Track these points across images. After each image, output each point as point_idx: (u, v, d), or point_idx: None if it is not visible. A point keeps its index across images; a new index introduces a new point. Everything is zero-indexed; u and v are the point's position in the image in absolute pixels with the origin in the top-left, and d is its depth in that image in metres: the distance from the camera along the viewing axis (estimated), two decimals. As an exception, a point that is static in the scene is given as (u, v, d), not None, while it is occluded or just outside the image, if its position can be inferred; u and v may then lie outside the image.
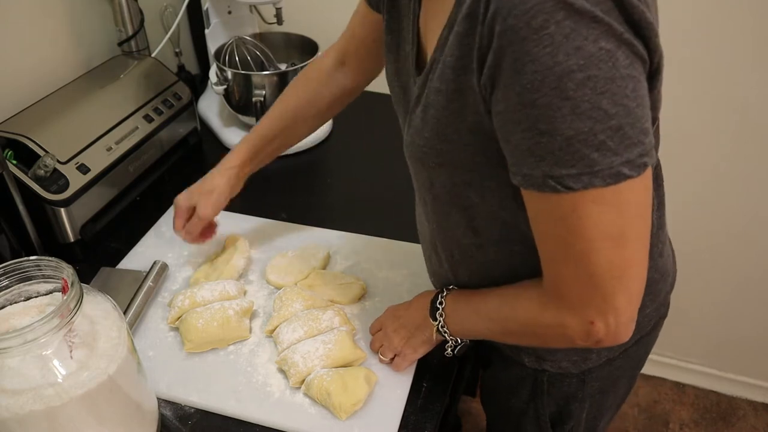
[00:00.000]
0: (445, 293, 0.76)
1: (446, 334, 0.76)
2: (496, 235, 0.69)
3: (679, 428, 1.77)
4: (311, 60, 1.24)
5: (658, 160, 0.67)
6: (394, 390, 0.80)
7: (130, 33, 1.23)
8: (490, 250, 0.71)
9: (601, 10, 0.47)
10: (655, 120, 0.59)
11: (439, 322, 0.76)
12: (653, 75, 0.53)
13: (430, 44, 0.63)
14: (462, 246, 0.73)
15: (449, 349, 0.79)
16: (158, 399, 0.77)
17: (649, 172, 0.53)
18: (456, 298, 0.75)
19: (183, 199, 0.95)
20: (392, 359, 0.82)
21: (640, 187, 0.53)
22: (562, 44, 0.46)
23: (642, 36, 0.49)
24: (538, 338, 0.68)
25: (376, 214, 1.12)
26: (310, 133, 0.99)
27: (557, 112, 0.49)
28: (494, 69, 0.51)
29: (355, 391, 0.76)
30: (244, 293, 0.93)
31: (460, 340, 0.78)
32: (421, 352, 0.81)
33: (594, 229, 0.54)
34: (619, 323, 0.59)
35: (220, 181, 0.94)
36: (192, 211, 0.94)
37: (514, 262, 0.69)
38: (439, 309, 0.76)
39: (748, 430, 1.77)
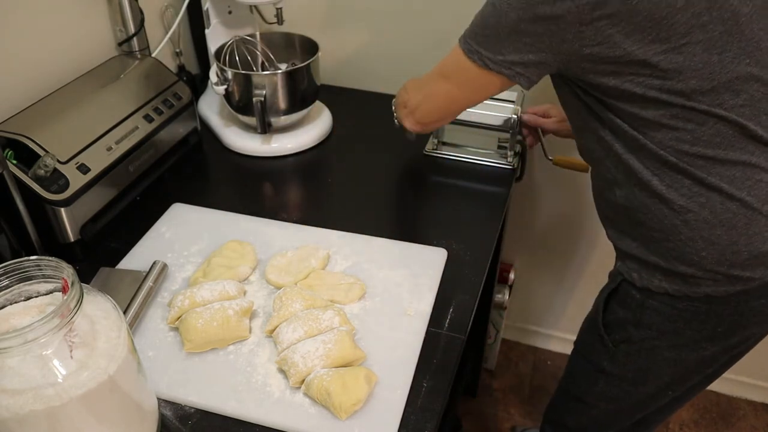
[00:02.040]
0: None
1: None
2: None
3: (679, 428, 1.77)
4: (312, 60, 1.24)
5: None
6: (394, 390, 0.80)
7: (130, 33, 1.23)
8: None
9: None
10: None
11: None
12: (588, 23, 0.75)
13: None
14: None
15: None
16: (158, 399, 0.77)
17: (500, 81, 0.86)
18: None
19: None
20: None
21: (477, 78, 0.87)
22: None
23: None
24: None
25: (376, 214, 1.12)
26: None
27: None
28: None
29: (355, 391, 0.76)
30: (244, 293, 0.93)
31: None
32: None
33: (438, 73, 0.96)
34: (415, 120, 1.01)
35: None
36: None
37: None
38: None
39: (748, 430, 1.77)
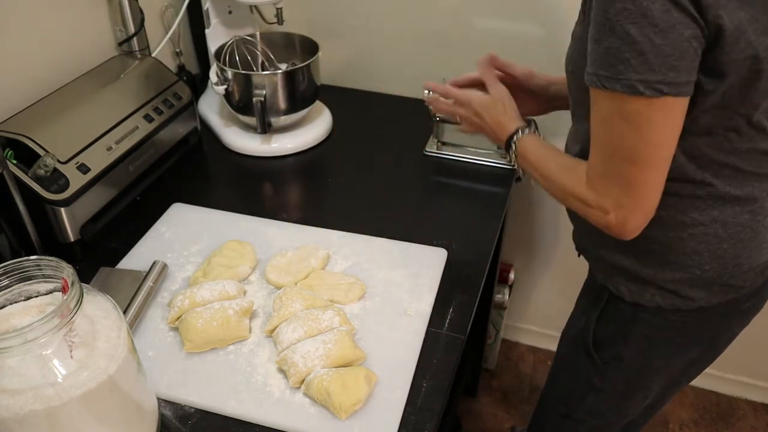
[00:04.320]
0: (522, 134, 0.91)
1: (511, 149, 0.93)
2: None
3: (679, 428, 1.77)
4: (312, 60, 1.24)
5: None
6: (394, 390, 0.80)
7: (130, 33, 1.23)
8: None
9: None
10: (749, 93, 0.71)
11: (511, 148, 0.92)
12: (713, 42, 0.66)
13: None
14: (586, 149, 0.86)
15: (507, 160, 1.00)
16: (158, 399, 0.77)
17: (671, 103, 0.68)
18: (534, 138, 0.91)
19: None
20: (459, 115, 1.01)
21: (655, 110, 0.68)
22: None
23: (697, 3, 0.63)
24: (574, 204, 0.82)
25: (376, 214, 1.12)
26: None
27: (602, 29, 0.67)
28: None
29: (355, 391, 0.76)
30: (244, 293, 0.93)
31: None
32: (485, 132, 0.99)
33: (615, 136, 0.72)
34: (625, 221, 0.75)
35: (527, 68, 1.06)
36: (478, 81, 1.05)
37: None
38: (512, 148, 0.92)
39: (747, 430, 1.77)
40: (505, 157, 1.19)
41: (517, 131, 0.92)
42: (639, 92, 0.66)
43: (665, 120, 0.69)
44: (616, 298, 0.92)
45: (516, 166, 0.95)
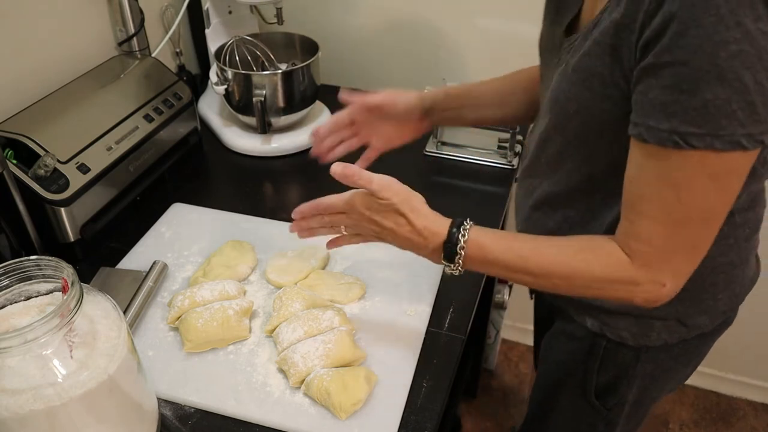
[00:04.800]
0: (466, 228, 0.72)
1: (458, 255, 0.71)
2: (609, 185, 0.71)
3: (679, 428, 1.77)
4: (312, 60, 1.24)
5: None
6: (394, 390, 0.80)
7: (130, 33, 1.23)
8: (598, 200, 0.75)
9: None
10: None
11: (461, 238, 0.71)
12: None
13: (596, 6, 0.68)
14: (570, 191, 0.77)
15: (450, 270, 0.74)
16: (158, 399, 0.77)
17: (757, 152, 0.58)
18: (486, 231, 0.72)
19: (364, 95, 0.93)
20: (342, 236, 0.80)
21: (747, 163, 0.59)
22: (726, 16, 0.52)
23: None
24: (599, 291, 0.68)
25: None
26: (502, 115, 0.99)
27: (704, 76, 0.54)
28: (658, 30, 0.56)
29: (355, 391, 0.76)
30: (244, 293, 0.93)
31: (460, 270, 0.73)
32: (398, 247, 0.76)
33: (696, 199, 0.60)
34: (677, 288, 0.66)
35: (410, 94, 0.95)
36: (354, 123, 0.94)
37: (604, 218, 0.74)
38: (459, 254, 0.71)
39: (748, 430, 1.77)
40: (506, 157, 1.14)
41: (454, 228, 0.72)
42: (742, 147, 0.56)
43: (747, 169, 0.60)
44: (616, 344, 0.83)
45: (457, 271, 0.73)
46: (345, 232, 0.80)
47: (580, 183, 0.76)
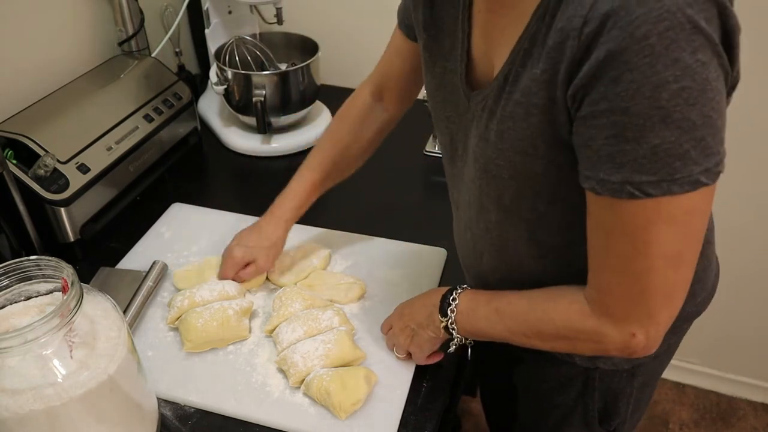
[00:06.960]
0: (459, 291, 0.75)
1: (454, 332, 0.74)
2: (560, 244, 0.68)
3: (679, 428, 1.77)
4: (312, 60, 1.24)
5: None
6: (394, 390, 0.80)
7: (130, 33, 1.23)
8: (549, 261, 0.70)
9: (705, 17, 0.47)
10: None
11: (450, 318, 0.74)
12: (732, 88, 0.54)
13: (498, 58, 0.63)
14: (521, 257, 0.72)
15: (453, 347, 0.78)
16: (158, 399, 0.77)
17: (716, 183, 0.53)
18: (472, 297, 0.74)
19: (240, 253, 0.91)
20: (408, 356, 0.82)
21: (709, 197, 0.54)
22: (661, 54, 0.47)
23: (729, 46, 0.50)
24: (568, 344, 0.67)
25: (376, 214, 1.12)
26: (352, 172, 0.99)
27: (647, 121, 0.49)
28: (588, 79, 0.51)
29: (355, 390, 0.76)
30: (244, 293, 0.93)
31: (465, 339, 0.76)
32: (428, 349, 0.80)
33: (659, 246, 0.55)
34: (657, 337, 0.61)
35: (278, 233, 0.93)
36: (246, 263, 0.92)
37: (570, 274, 0.67)
38: (451, 305, 0.74)
39: (748, 430, 1.77)
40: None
41: (446, 295, 0.75)
42: (702, 184, 0.52)
43: (710, 202, 0.56)
44: (611, 372, 0.80)
45: (455, 347, 0.77)
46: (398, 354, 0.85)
47: (538, 251, 0.71)
